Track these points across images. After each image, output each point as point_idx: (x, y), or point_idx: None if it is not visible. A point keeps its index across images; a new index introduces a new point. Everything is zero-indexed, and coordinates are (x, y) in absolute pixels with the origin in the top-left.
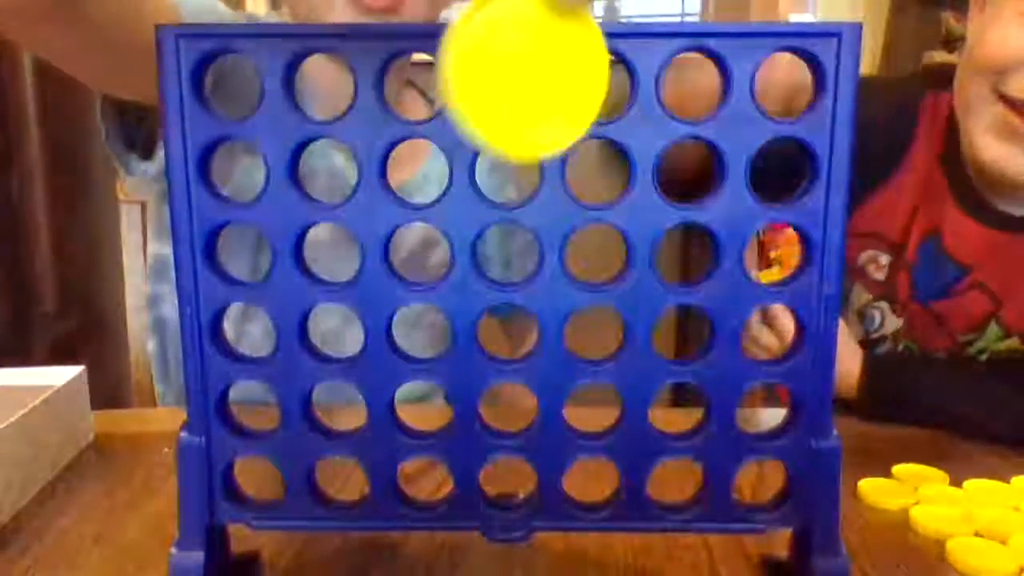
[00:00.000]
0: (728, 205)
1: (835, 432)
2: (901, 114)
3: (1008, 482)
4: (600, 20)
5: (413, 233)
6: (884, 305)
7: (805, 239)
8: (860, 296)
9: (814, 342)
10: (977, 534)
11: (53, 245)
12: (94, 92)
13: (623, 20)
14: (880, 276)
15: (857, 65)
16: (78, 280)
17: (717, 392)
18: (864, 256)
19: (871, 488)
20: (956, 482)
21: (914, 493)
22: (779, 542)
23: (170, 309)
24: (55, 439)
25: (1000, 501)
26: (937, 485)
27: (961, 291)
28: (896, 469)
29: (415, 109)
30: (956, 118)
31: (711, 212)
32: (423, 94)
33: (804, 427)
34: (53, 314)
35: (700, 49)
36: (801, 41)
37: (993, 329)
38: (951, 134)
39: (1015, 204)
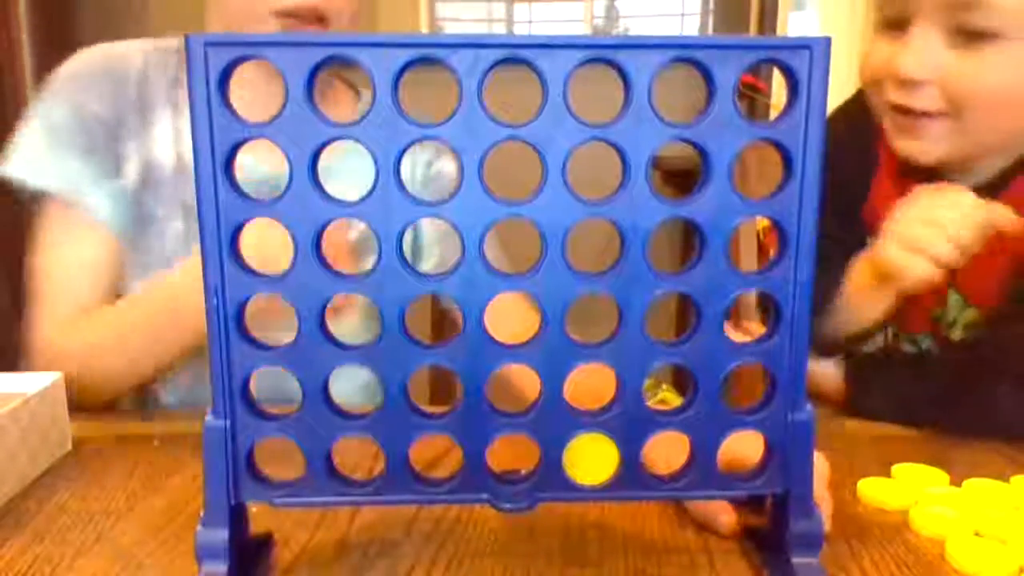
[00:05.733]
0: (712, 201)
1: (808, 406)
2: (870, 130)
3: (1008, 482)
4: (599, 32)
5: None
6: None
7: (781, 232)
8: None
9: (789, 326)
10: (977, 534)
11: None
12: None
13: (622, 19)
14: None
15: (826, 74)
16: None
17: (703, 371)
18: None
19: (871, 488)
20: (956, 482)
21: (914, 493)
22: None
23: None
24: (26, 448)
25: (1000, 501)
26: (937, 485)
27: None
28: (896, 469)
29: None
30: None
31: (697, 207)
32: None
33: (780, 402)
34: None
35: (687, 59)
36: (777, 53)
37: (955, 297)
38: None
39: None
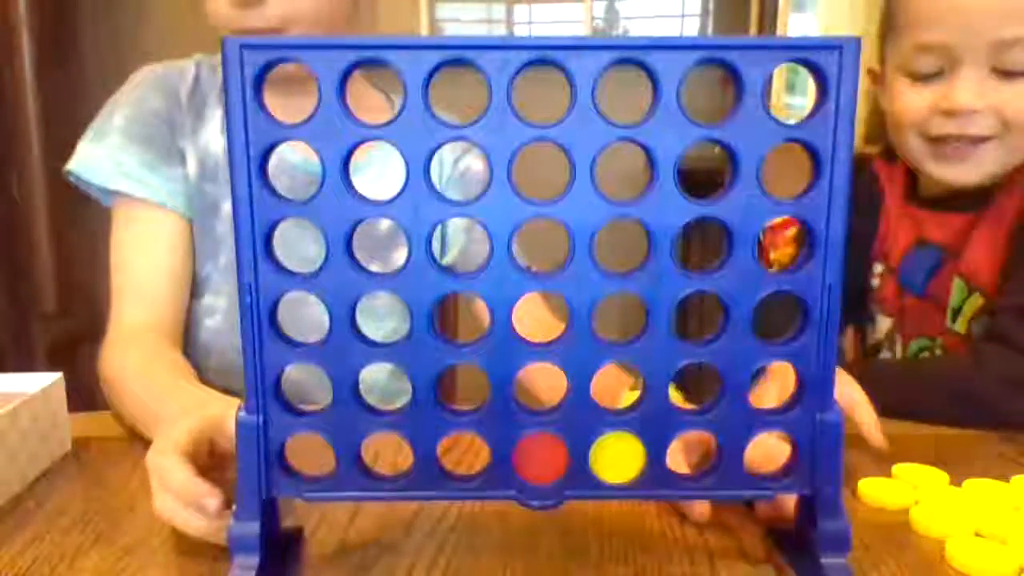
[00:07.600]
0: (741, 201)
1: (837, 407)
2: (868, 182)
3: (1008, 482)
4: (620, 34)
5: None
6: (875, 307)
7: (810, 233)
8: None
9: (817, 326)
10: (977, 534)
11: (53, 245)
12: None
13: (623, 19)
14: (875, 282)
15: (856, 74)
16: (78, 280)
17: (731, 371)
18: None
19: (871, 488)
20: (956, 482)
21: (914, 493)
22: None
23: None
24: (25, 448)
25: (1000, 501)
26: (937, 485)
27: (944, 265)
28: (896, 469)
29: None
30: (907, 161)
31: (725, 207)
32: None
33: (809, 402)
34: (53, 314)
35: (716, 60)
36: (807, 53)
37: (958, 284)
38: (908, 177)
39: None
